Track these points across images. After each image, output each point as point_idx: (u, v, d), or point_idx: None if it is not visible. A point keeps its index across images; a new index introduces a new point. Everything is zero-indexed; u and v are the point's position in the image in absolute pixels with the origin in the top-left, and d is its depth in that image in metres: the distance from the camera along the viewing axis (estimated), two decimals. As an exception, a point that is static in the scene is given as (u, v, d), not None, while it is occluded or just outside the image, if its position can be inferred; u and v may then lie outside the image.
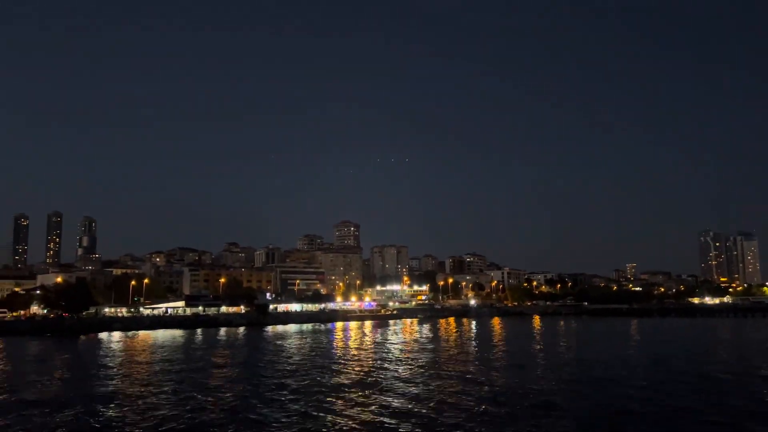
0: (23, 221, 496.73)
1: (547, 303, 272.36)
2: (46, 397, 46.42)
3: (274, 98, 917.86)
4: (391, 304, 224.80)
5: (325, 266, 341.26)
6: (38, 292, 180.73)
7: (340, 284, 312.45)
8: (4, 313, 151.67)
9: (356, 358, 75.32)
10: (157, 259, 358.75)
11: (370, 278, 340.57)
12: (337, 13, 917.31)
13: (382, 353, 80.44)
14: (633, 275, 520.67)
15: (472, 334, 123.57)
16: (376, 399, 44.29)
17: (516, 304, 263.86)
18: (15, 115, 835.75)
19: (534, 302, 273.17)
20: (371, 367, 64.73)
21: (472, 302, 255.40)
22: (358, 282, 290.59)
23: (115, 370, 64.24)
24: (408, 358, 74.59)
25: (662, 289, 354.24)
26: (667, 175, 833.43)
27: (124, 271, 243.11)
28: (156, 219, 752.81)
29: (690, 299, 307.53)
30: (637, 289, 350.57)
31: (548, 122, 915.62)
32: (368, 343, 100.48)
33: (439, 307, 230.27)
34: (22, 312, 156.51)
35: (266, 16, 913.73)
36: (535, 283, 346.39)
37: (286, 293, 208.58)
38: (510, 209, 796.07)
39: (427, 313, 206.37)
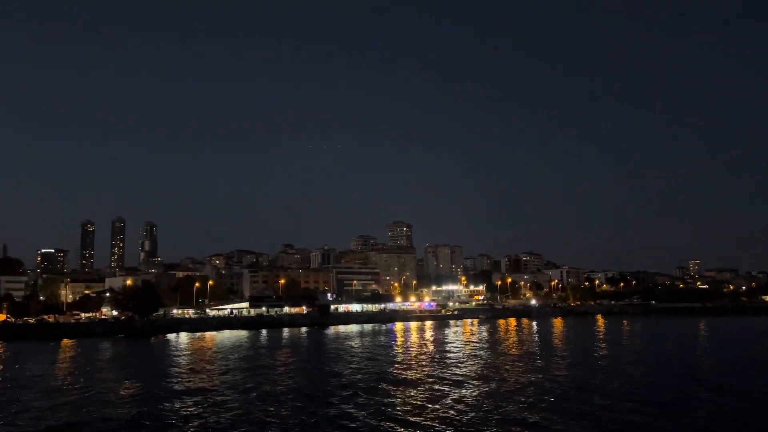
0: (89, 227, 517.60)
1: (612, 302, 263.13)
2: (131, 396, 46.80)
3: (327, 102, 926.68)
4: (450, 304, 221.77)
5: (380, 266, 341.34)
6: (108, 294, 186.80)
7: (396, 284, 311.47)
8: (78, 315, 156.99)
9: (420, 358, 73.38)
10: (217, 262, 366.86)
11: (424, 278, 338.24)
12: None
13: (447, 353, 78.35)
14: (697, 272, 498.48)
15: (539, 335, 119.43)
16: (445, 400, 42.81)
17: (579, 303, 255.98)
18: (79, 127, 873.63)
19: (598, 301, 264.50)
20: (437, 367, 62.84)
21: (533, 302, 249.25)
22: (414, 282, 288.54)
23: (190, 369, 64.94)
24: (475, 358, 72.23)
25: (731, 287, 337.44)
26: (726, 169, 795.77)
27: (186, 273, 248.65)
28: (213, 222, 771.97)
29: (764, 297, 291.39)
30: (704, 286, 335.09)
31: (608, 118, 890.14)
32: (431, 343, 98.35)
33: (500, 307, 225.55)
34: (95, 314, 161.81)
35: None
36: (597, 281, 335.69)
37: (345, 294, 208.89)
38: (565, 207, 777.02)
39: (488, 314, 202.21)
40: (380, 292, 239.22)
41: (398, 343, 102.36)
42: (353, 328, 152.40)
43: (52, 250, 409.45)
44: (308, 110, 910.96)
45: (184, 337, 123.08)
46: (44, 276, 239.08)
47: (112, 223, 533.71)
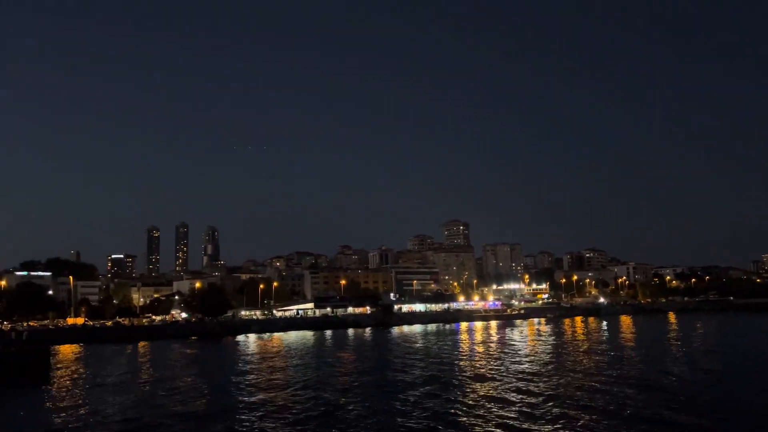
0: (155, 233, 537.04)
1: (685, 299, 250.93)
2: (213, 395, 46.59)
3: (382, 102, 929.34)
4: (515, 303, 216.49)
5: (438, 266, 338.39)
6: (176, 297, 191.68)
7: (455, 284, 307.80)
8: (149, 317, 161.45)
9: (490, 358, 70.30)
10: (277, 264, 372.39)
11: (483, 277, 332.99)
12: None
13: (517, 354, 74.78)
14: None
15: (615, 334, 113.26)
16: (513, 400, 40.61)
17: (649, 300, 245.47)
18: (142, 135, 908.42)
19: (670, 298, 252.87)
20: (508, 368, 59.74)
21: (601, 300, 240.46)
22: (475, 281, 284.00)
23: (266, 369, 64.90)
24: (547, 359, 68.41)
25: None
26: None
27: (251, 276, 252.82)
28: (272, 225, 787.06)
29: None
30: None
31: (670, 112, 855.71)
32: (499, 343, 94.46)
33: (568, 305, 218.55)
34: (165, 316, 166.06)
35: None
36: (668, 278, 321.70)
37: (407, 294, 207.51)
38: (627, 201, 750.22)
39: (556, 312, 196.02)
40: (443, 292, 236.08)
41: (465, 343, 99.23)
42: (417, 328, 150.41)
43: (122, 256, 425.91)
44: (360, 112, 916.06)
45: (252, 339, 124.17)
46: (116, 281, 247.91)
47: (176, 228, 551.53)
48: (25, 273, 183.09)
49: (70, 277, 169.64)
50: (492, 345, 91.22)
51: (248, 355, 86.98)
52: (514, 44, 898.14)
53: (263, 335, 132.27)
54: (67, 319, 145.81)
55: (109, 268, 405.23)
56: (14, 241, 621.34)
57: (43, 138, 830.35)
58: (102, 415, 40.00)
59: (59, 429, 36.22)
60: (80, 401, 46.12)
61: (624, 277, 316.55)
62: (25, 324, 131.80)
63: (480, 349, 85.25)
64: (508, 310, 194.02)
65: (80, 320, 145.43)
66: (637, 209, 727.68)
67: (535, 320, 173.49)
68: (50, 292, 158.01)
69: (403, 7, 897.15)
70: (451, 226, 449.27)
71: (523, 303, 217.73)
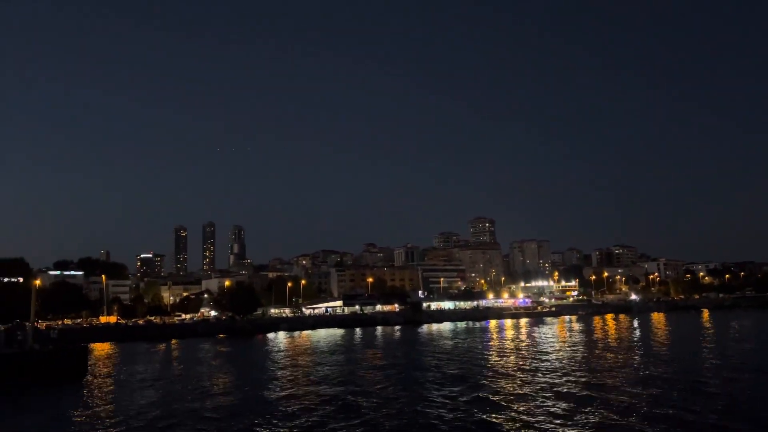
0: (182, 232, 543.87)
1: (720, 295, 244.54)
2: (249, 392, 46.04)
3: (407, 100, 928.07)
4: (546, 300, 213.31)
5: (464, 263, 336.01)
6: (205, 296, 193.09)
7: (482, 281, 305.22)
8: (180, 316, 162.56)
9: (521, 357, 68.23)
10: (303, 262, 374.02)
11: (510, 274, 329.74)
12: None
13: (550, 352, 72.30)
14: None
15: (650, 331, 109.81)
16: (548, 403, 38.48)
17: (683, 297, 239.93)
18: (169, 137, 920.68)
19: (704, 295, 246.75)
20: (541, 366, 57.72)
21: (633, 296, 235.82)
22: (503, 279, 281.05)
23: (300, 367, 64.20)
24: (582, 357, 65.79)
25: None
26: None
27: (278, 274, 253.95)
28: (297, 224, 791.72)
29: None
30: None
31: (701, 104, 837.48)
32: (532, 341, 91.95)
33: (599, 302, 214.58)
34: (195, 315, 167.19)
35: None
36: (701, 274, 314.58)
37: (435, 291, 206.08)
38: (653, 197, 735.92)
39: (588, 309, 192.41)
40: (471, 290, 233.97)
41: (495, 340, 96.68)
42: (446, 325, 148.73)
43: (150, 255, 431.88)
44: (384, 109, 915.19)
45: (282, 336, 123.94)
46: (145, 279, 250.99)
47: (203, 228, 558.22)
48: (58, 273, 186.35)
49: (103, 277, 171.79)
50: (523, 343, 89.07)
51: (279, 352, 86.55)
52: (540, 41, 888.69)
53: (293, 333, 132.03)
54: (100, 317, 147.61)
55: (138, 267, 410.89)
56: (47, 241, 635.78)
57: (72, 141, 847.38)
58: (140, 412, 39.82)
59: (99, 425, 36.14)
60: (118, 398, 46.05)
61: (656, 273, 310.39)
62: (59, 323, 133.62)
63: (511, 346, 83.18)
64: (539, 308, 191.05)
65: (113, 319, 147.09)
66: (666, 205, 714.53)
67: (566, 317, 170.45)
68: (83, 292, 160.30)
69: (425, 6, 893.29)
70: (477, 223, 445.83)
71: (553, 300, 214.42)
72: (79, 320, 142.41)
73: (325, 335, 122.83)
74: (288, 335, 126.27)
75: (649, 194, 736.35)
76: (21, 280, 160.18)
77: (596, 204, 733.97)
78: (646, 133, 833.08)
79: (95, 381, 56.42)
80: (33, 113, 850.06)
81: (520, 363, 61.94)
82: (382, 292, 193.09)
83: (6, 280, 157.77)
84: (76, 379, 55.73)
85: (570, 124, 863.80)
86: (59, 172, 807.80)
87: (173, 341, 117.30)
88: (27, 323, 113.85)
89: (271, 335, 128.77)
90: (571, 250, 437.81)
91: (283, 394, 45.74)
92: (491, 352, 74.97)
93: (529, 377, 50.50)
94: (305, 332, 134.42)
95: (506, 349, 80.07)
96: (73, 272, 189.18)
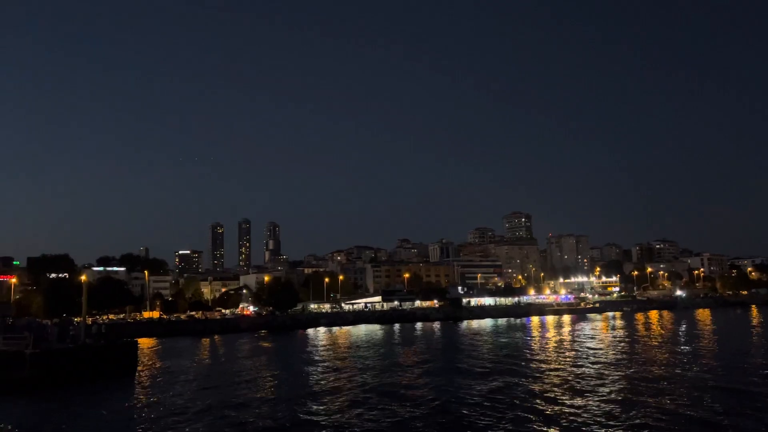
0: (219, 229, 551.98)
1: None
2: (299, 387, 44.83)
3: (440, 94, 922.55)
4: (589, 296, 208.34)
5: (501, 259, 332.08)
6: (244, 291, 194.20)
7: (519, 277, 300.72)
8: (220, 311, 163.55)
9: (565, 354, 65.34)
10: (338, 258, 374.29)
11: (547, 270, 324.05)
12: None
13: (596, 350, 68.83)
14: None
15: (701, 328, 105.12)
16: (596, 404, 36.24)
17: (729, 293, 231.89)
18: (204, 137, 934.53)
19: (752, 290, 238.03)
20: (585, 365, 54.82)
21: (678, 292, 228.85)
22: (542, 275, 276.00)
23: (343, 361, 63.79)
24: (629, 355, 62.62)
25: None
26: None
27: (314, 269, 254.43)
28: (331, 220, 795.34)
29: None
30: None
31: (741, 96, 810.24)
32: (574, 338, 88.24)
33: (644, 298, 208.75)
34: (235, 310, 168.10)
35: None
36: (749, 269, 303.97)
37: (474, 288, 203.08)
38: (694, 191, 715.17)
39: (633, 306, 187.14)
40: (511, 285, 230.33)
41: (539, 337, 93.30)
42: (487, 322, 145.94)
43: (189, 252, 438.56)
44: (416, 105, 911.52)
45: (323, 332, 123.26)
46: (185, 275, 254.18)
47: (239, 224, 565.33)
48: (101, 269, 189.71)
49: (145, 272, 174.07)
50: (567, 340, 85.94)
51: (322, 348, 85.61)
52: (579, 36, 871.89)
53: (333, 328, 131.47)
54: (143, 312, 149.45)
55: (176, 263, 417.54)
56: (89, 238, 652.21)
57: (113, 141, 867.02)
58: (193, 406, 39.43)
59: (155, 419, 35.73)
60: (170, 393, 45.70)
61: (702, 269, 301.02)
62: (104, 317, 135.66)
63: (555, 343, 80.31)
64: (582, 304, 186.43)
65: (155, 314, 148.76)
66: (707, 198, 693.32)
67: (610, 314, 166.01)
68: (125, 287, 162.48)
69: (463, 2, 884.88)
70: (513, 218, 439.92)
71: (596, 296, 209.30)
72: (122, 315, 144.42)
73: (365, 331, 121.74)
74: (328, 331, 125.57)
75: (689, 188, 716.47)
76: (66, 276, 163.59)
77: (634, 198, 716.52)
78: (685, 126, 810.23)
79: (146, 376, 56.26)
80: (82, 117, 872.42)
81: (565, 360, 59.60)
82: (418, 288, 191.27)
83: (53, 276, 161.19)
84: (127, 374, 55.62)
85: (607, 116, 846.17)
86: (100, 170, 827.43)
87: (216, 336, 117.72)
88: (76, 318, 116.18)
89: (310, 331, 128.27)
90: (610, 245, 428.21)
91: (328, 389, 45.37)
92: (535, 349, 72.57)
93: (574, 376, 48.18)
94: (345, 328, 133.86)
95: (550, 346, 77.37)
96: (115, 268, 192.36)
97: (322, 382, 49.25)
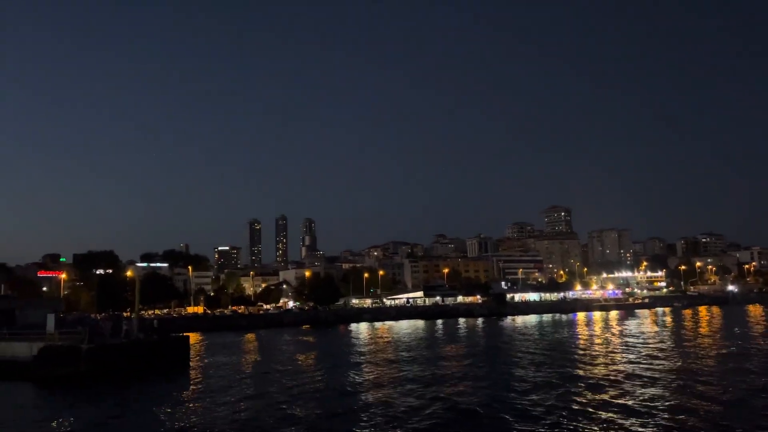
0: (256, 225, 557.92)
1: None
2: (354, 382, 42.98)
3: (475, 88, 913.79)
4: (637, 291, 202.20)
5: (541, 254, 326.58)
6: (284, 286, 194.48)
7: (561, 272, 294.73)
8: (261, 306, 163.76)
9: (616, 353, 61.51)
10: (375, 253, 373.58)
11: (588, 265, 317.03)
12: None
13: (650, 349, 64.49)
14: None
15: (757, 325, 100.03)
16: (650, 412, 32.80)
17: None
18: (242, 135, 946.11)
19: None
20: (638, 365, 51.24)
21: (730, 287, 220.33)
22: (585, 270, 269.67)
23: (391, 356, 62.35)
24: (684, 355, 58.55)
25: None
26: None
27: (351, 265, 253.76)
28: (365, 216, 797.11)
29: None
30: None
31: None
32: (624, 335, 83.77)
33: (695, 293, 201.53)
34: (276, 305, 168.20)
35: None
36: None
37: (517, 283, 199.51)
38: (741, 183, 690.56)
39: (683, 301, 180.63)
40: (554, 280, 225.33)
41: (591, 334, 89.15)
42: (532, 318, 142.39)
43: (227, 248, 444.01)
44: (454, 99, 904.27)
45: (364, 327, 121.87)
46: (225, 271, 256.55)
47: (276, 221, 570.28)
48: (145, 264, 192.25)
49: (189, 268, 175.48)
50: (617, 337, 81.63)
51: (366, 343, 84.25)
52: (620, 26, 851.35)
53: (375, 324, 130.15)
54: (187, 308, 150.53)
55: (216, 259, 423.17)
56: (130, 234, 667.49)
57: (152, 141, 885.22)
58: (249, 402, 38.83)
59: (208, 414, 34.98)
60: (223, 387, 44.88)
61: (754, 263, 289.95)
62: (150, 312, 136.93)
63: (609, 341, 76.12)
64: (630, 299, 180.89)
65: (199, 309, 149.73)
66: (754, 190, 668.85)
67: (659, 310, 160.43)
68: (168, 282, 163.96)
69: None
70: (552, 212, 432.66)
71: (645, 291, 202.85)
72: (165, 311, 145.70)
73: (407, 326, 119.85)
74: (371, 326, 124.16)
75: (735, 180, 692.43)
76: (111, 271, 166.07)
77: (677, 191, 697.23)
78: (730, 115, 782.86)
79: (199, 371, 55.47)
80: (124, 114, 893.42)
81: (611, 358, 56.20)
82: (459, 284, 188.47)
83: (99, 271, 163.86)
84: (180, 370, 54.96)
85: (648, 106, 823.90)
86: (141, 169, 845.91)
87: (260, 331, 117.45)
88: (124, 313, 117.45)
89: (353, 326, 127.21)
90: (653, 239, 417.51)
91: (379, 383, 44.55)
92: (589, 347, 68.95)
93: (625, 376, 44.91)
94: (388, 323, 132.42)
95: (604, 343, 73.54)
96: (158, 264, 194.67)
97: (373, 377, 48.14)
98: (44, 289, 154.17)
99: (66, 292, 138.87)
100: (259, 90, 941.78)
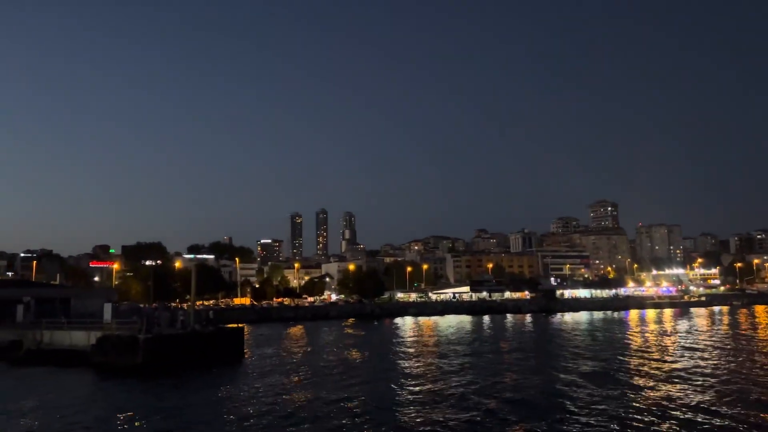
0: (298, 219, 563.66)
1: None
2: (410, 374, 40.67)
3: (516, 80, 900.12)
4: (693, 288, 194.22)
5: (587, 249, 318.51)
6: (327, 279, 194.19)
7: (609, 268, 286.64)
8: (306, 298, 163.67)
9: (676, 354, 56.93)
10: (416, 247, 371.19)
11: (637, 261, 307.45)
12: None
13: (711, 350, 59.63)
14: None
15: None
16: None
17: None
18: (284, 129, 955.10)
19: None
20: (696, 367, 47.05)
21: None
22: (635, 266, 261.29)
23: (441, 353, 59.61)
24: (746, 356, 54.00)
25: None
26: None
27: (393, 259, 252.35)
28: (404, 210, 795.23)
29: None
30: None
31: None
32: (683, 335, 78.38)
33: (755, 291, 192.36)
34: (320, 297, 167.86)
35: None
36: None
37: (566, 279, 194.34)
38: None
39: (743, 300, 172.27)
40: (606, 277, 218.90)
41: (643, 333, 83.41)
42: (582, 315, 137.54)
43: (270, 241, 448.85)
44: (496, 92, 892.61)
45: (410, 322, 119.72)
46: (269, 263, 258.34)
47: (316, 214, 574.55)
48: (192, 256, 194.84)
49: (236, 260, 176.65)
50: (675, 337, 76.31)
51: (417, 337, 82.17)
52: (665, 24, 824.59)
53: (420, 318, 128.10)
54: (234, 299, 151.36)
55: (259, 251, 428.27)
56: (175, 226, 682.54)
57: (194, 134, 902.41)
58: (302, 392, 38.39)
59: (266, 405, 34.36)
60: (279, 379, 44.03)
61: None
62: (198, 303, 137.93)
63: (663, 340, 71.24)
64: (685, 297, 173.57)
65: (246, 300, 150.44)
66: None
67: (716, 308, 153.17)
68: (214, 274, 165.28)
69: None
70: (598, 207, 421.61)
71: (701, 289, 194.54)
72: (212, 301, 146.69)
73: (454, 322, 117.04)
74: (416, 321, 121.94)
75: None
76: (160, 262, 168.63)
77: (729, 186, 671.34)
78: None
79: (254, 362, 54.63)
80: (168, 110, 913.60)
81: (670, 359, 52.21)
82: (507, 279, 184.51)
83: (148, 263, 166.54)
84: (236, 361, 54.15)
85: (698, 99, 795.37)
86: (186, 162, 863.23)
87: (306, 323, 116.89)
88: (175, 303, 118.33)
89: (398, 320, 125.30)
90: (705, 235, 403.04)
91: (436, 379, 42.98)
92: (648, 347, 64.36)
93: (680, 378, 41.54)
94: (433, 318, 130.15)
95: (653, 342, 68.81)
96: (205, 256, 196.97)
97: (428, 373, 46.57)
98: (95, 279, 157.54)
99: (117, 282, 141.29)
100: (302, 87, 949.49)
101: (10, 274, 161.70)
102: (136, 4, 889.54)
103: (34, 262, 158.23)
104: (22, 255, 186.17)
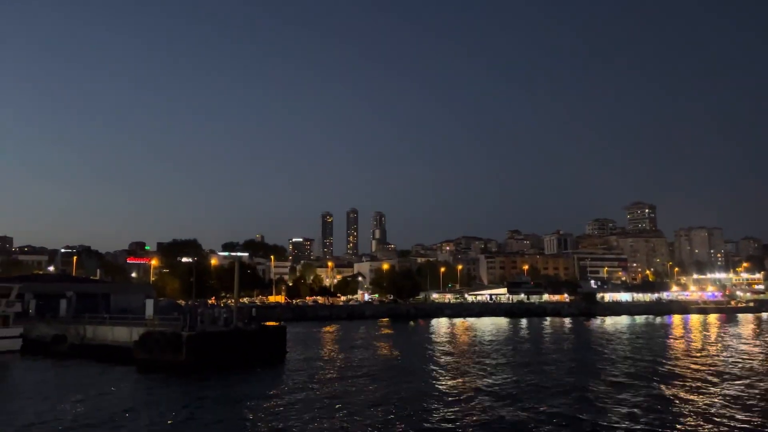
0: (328, 218, 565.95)
1: None
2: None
3: (549, 78, 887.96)
4: (740, 293, 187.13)
5: (624, 252, 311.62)
6: (359, 278, 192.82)
7: (647, 272, 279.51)
8: (340, 297, 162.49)
9: (724, 365, 52.34)
10: (447, 248, 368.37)
11: (677, 265, 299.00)
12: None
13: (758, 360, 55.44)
14: None
15: None
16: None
17: None
18: (307, 130, 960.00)
19: None
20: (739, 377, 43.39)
21: None
22: (676, 270, 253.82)
23: (479, 357, 56.35)
24: None
25: None
26: None
27: (425, 259, 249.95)
28: (435, 210, 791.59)
29: None
30: None
31: None
32: (731, 343, 73.31)
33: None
34: (353, 296, 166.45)
35: None
36: None
37: (609, 282, 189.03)
38: None
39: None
40: (648, 280, 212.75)
41: (687, 340, 78.94)
42: (623, 319, 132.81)
43: (301, 239, 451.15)
44: (531, 90, 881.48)
45: (445, 323, 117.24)
46: (302, 262, 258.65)
47: (347, 214, 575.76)
48: (226, 253, 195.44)
49: (272, 258, 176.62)
50: (721, 345, 71.54)
51: (456, 339, 79.86)
52: (705, 21, 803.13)
53: (455, 320, 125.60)
54: (269, 297, 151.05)
55: (291, 250, 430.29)
56: (208, 224, 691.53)
57: (229, 136, 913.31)
58: (345, 394, 37.16)
59: (310, 405, 33.57)
60: (322, 380, 43.05)
61: None
62: (231, 301, 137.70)
63: (710, 349, 66.57)
64: (732, 302, 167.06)
65: (280, 298, 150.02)
66: None
67: (764, 315, 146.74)
68: (248, 272, 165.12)
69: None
70: (635, 209, 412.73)
71: (748, 294, 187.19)
72: (246, 299, 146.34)
73: (491, 324, 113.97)
74: (451, 322, 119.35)
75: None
76: (196, 259, 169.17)
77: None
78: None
79: (296, 361, 53.19)
80: (201, 110, 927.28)
81: (717, 370, 48.00)
82: (544, 281, 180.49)
83: (184, 259, 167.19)
84: (278, 360, 52.85)
85: (737, 100, 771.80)
86: (219, 162, 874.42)
87: (341, 322, 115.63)
88: (211, 300, 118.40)
89: (434, 321, 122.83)
90: (747, 239, 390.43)
91: (478, 385, 40.64)
92: (695, 354, 60.27)
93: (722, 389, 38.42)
94: (469, 320, 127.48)
95: (699, 351, 64.16)
96: (239, 253, 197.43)
97: (471, 372, 45.75)
98: (133, 275, 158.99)
99: (153, 279, 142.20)
100: (333, 86, 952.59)
101: (51, 269, 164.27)
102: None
103: (75, 257, 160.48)
104: (63, 250, 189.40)
